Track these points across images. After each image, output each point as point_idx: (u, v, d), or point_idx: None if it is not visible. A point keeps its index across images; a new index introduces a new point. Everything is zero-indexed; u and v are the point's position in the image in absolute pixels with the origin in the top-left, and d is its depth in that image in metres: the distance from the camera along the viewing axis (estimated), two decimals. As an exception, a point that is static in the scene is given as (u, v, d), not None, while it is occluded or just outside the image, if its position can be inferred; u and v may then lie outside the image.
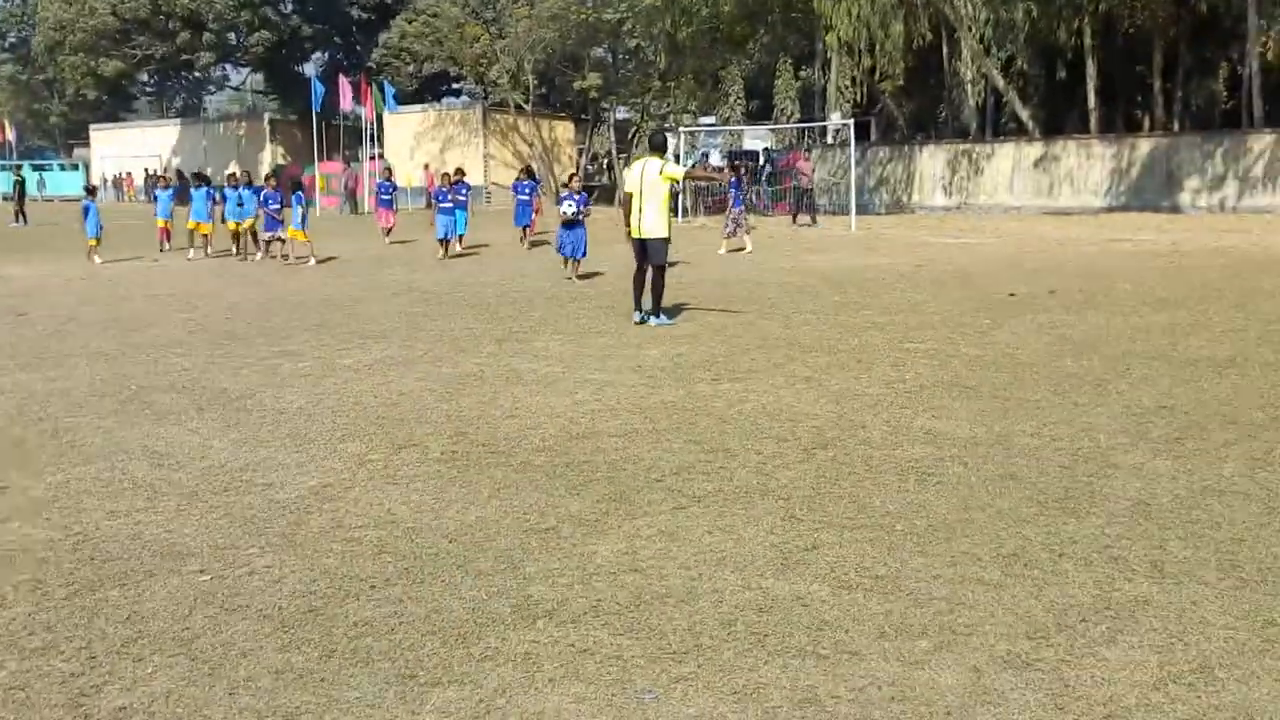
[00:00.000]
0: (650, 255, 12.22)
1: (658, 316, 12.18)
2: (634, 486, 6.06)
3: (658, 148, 12.62)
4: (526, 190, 24.72)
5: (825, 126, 41.32)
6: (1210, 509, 5.44)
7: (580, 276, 17.32)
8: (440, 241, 22.32)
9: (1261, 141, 34.10)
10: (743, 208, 23.65)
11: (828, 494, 5.85)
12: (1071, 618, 4.23)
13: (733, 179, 24.87)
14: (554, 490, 6.04)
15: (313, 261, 20.77)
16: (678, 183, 12.63)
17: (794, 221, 31.90)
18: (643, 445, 6.92)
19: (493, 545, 5.18)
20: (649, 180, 12.02)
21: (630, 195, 12.22)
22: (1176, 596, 4.39)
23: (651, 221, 12.04)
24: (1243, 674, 3.73)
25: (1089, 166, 37.75)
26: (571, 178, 20.28)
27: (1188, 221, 30.40)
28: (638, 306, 12.31)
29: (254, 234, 22.74)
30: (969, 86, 42.10)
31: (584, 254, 17.48)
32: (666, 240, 12.20)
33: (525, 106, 50.73)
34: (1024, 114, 40.95)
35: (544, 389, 8.76)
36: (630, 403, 8.17)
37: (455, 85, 62.81)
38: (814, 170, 33.46)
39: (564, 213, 17.38)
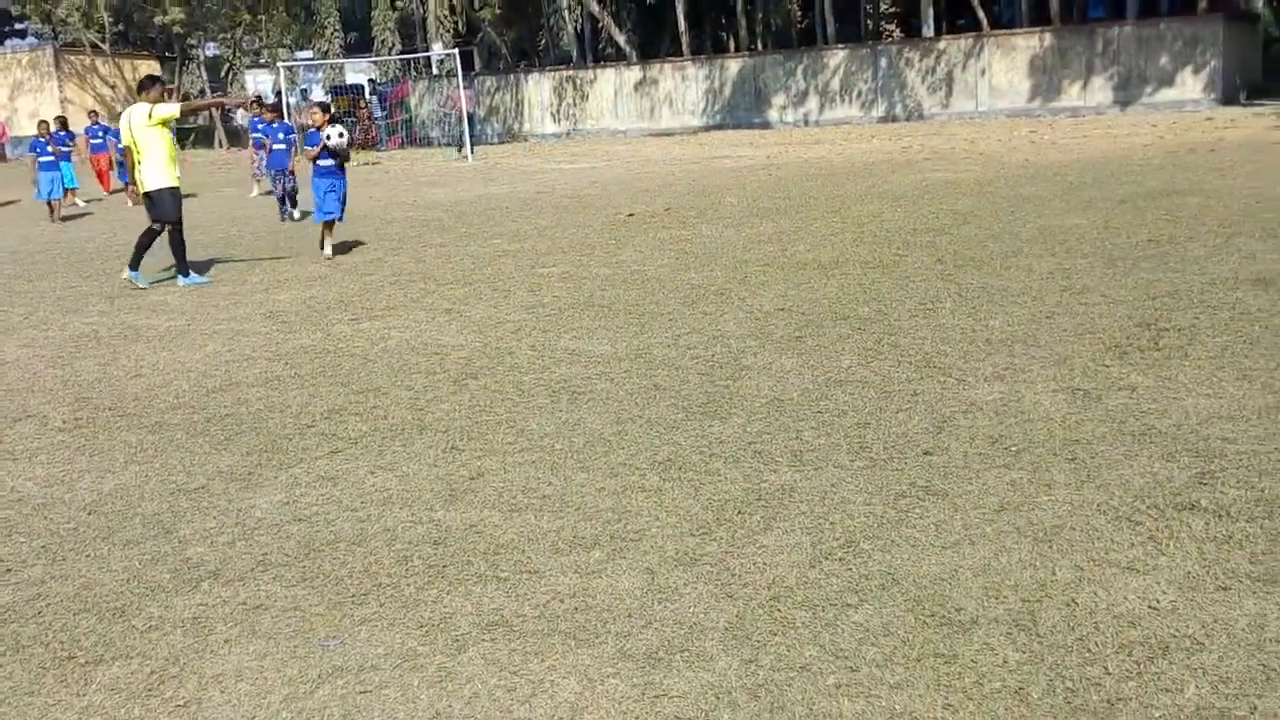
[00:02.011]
0: (154, 209, 10.97)
1: (187, 276, 11.05)
2: (284, 435, 5.86)
3: (144, 89, 11.33)
4: (100, 133, 22.89)
5: (430, 57, 40.85)
6: (836, 398, 5.90)
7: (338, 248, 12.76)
8: (48, 203, 19.15)
9: (836, 57, 36.87)
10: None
11: (485, 422, 5.88)
12: (729, 512, 4.49)
13: (254, 117, 22.40)
14: (197, 448, 5.74)
15: None
16: (173, 123, 11.31)
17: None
18: (288, 392, 6.69)
19: (138, 512, 4.87)
20: (137, 127, 10.84)
21: (128, 149, 11.06)
22: (818, 481, 4.75)
23: (151, 171, 10.86)
24: (884, 543, 4.10)
25: (685, 88, 39.52)
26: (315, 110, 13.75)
27: (778, 136, 32.48)
28: (133, 265, 11.11)
29: None
30: (566, 14, 42.86)
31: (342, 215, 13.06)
32: (172, 190, 10.94)
33: (102, 45, 46.94)
34: (621, 39, 42.20)
35: (169, 343, 8.26)
36: (267, 350, 7.85)
37: (19, 26, 57.08)
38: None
39: (331, 142, 12.55)
